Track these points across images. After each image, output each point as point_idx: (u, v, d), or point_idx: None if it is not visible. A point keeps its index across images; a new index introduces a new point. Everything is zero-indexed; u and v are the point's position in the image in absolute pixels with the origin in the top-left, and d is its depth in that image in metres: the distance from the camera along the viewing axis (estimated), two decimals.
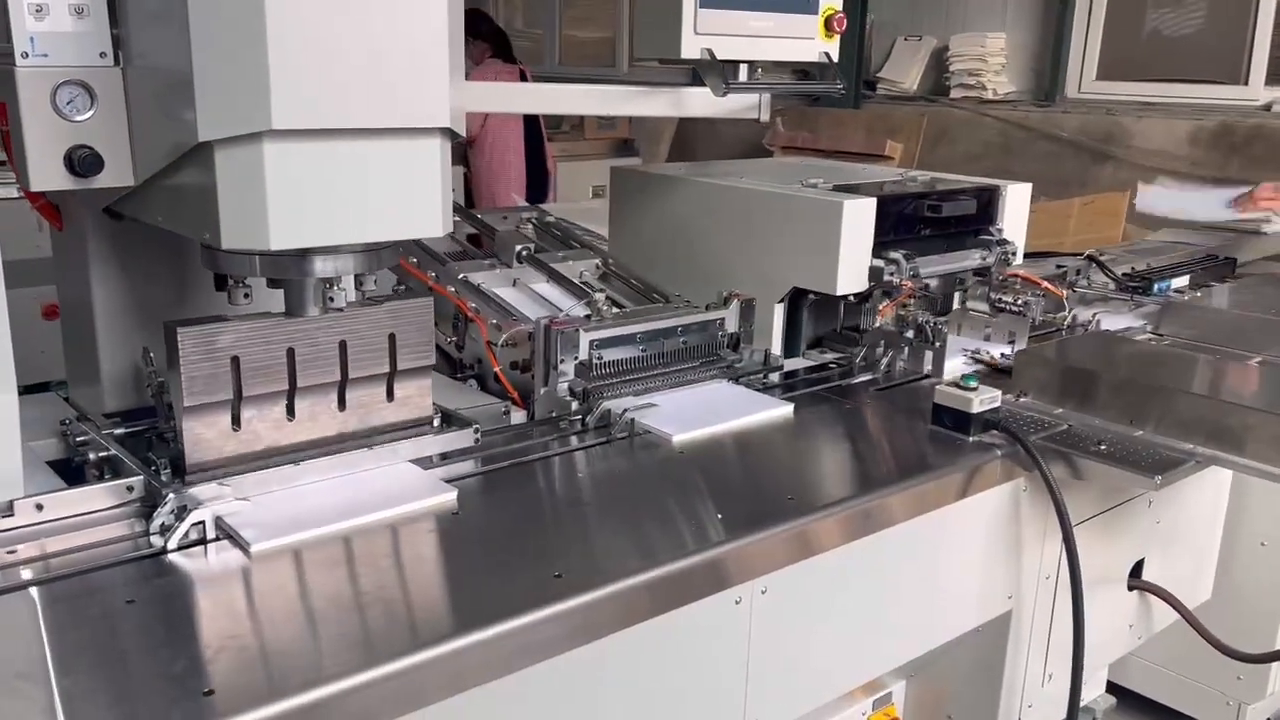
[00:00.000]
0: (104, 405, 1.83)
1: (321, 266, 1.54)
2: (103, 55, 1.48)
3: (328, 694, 1.10)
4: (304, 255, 1.52)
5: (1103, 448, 1.94)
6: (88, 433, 1.69)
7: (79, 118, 1.47)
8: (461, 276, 2.29)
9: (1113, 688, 2.98)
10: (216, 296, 1.81)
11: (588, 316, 2.12)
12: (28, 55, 1.43)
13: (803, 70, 2.41)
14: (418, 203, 1.51)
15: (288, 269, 1.53)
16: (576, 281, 2.37)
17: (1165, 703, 2.97)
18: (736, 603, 1.56)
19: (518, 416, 2.00)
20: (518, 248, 2.38)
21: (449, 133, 1.50)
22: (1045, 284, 2.53)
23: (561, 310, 2.24)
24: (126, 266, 1.81)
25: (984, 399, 1.95)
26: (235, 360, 1.54)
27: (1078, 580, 1.96)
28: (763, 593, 1.59)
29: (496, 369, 2.09)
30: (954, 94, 6.64)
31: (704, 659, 1.56)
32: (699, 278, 2.40)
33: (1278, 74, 5.65)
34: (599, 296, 2.20)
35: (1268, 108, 5.57)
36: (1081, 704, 2.48)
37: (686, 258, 2.53)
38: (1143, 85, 6.06)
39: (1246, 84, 5.71)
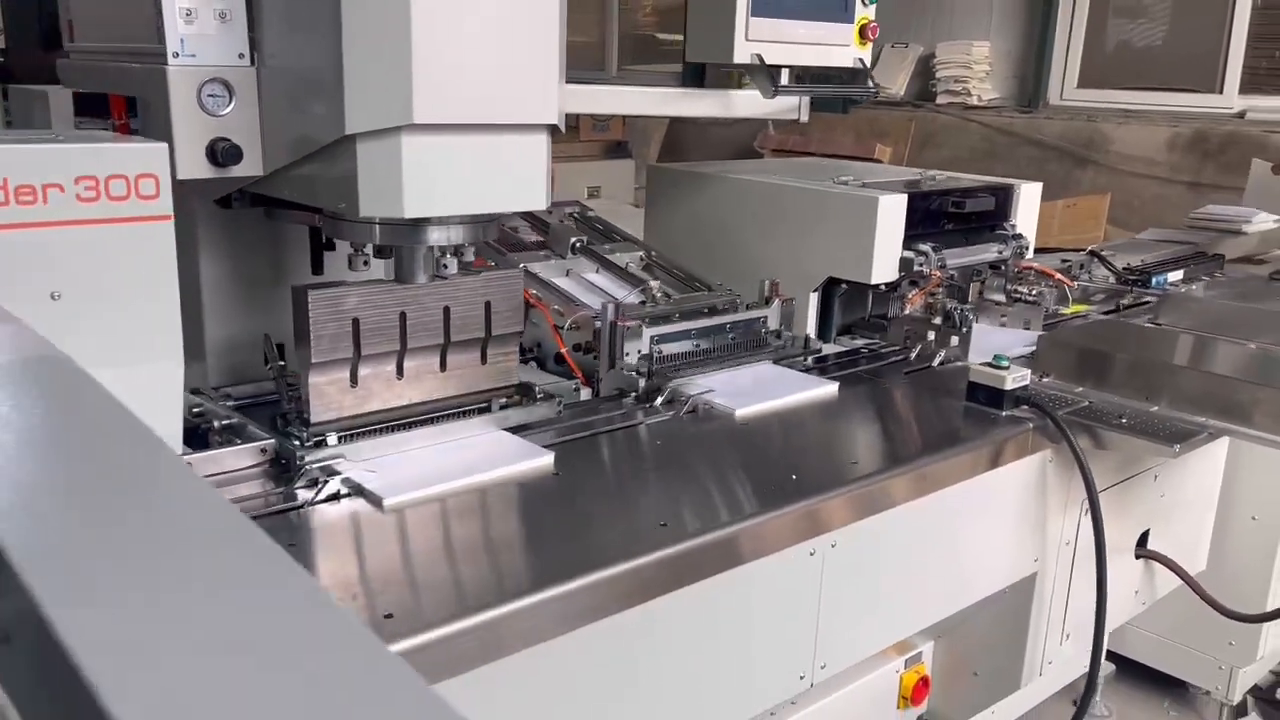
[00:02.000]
0: (209, 380, 1.96)
1: (435, 235, 1.69)
2: (241, 56, 1.63)
3: (502, 613, 1.26)
4: (419, 225, 1.66)
5: (1124, 421, 2.13)
6: (202, 404, 1.83)
7: (221, 112, 1.61)
8: (521, 266, 2.44)
9: (1111, 656, 3.18)
10: (311, 277, 1.97)
11: (642, 303, 2.28)
12: (178, 55, 1.57)
13: (836, 74, 2.58)
14: (526, 183, 1.67)
15: (406, 236, 1.68)
16: (627, 271, 2.52)
17: (1162, 669, 3.18)
18: (811, 554, 1.73)
19: (584, 395, 2.15)
20: (572, 239, 2.53)
21: (554, 127, 1.67)
22: (1059, 275, 2.72)
23: (615, 298, 2.40)
24: (232, 251, 1.95)
25: (1015, 377, 2.13)
26: (356, 321, 1.69)
27: (1102, 544, 2.15)
28: (833, 546, 1.76)
29: (563, 350, 2.24)
30: (940, 99, 6.87)
31: (783, 605, 1.73)
32: (735, 268, 2.57)
33: (1251, 83, 5.93)
34: (653, 285, 2.37)
35: (1241, 115, 5.84)
36: (1084, 669, 2.68)
37: (723, 249, 2.70)
38: (1122, 93, 6.32)
39: (1221, 92, 5.98)
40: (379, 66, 1.47)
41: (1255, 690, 3.21)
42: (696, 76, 2.59)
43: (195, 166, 1.60)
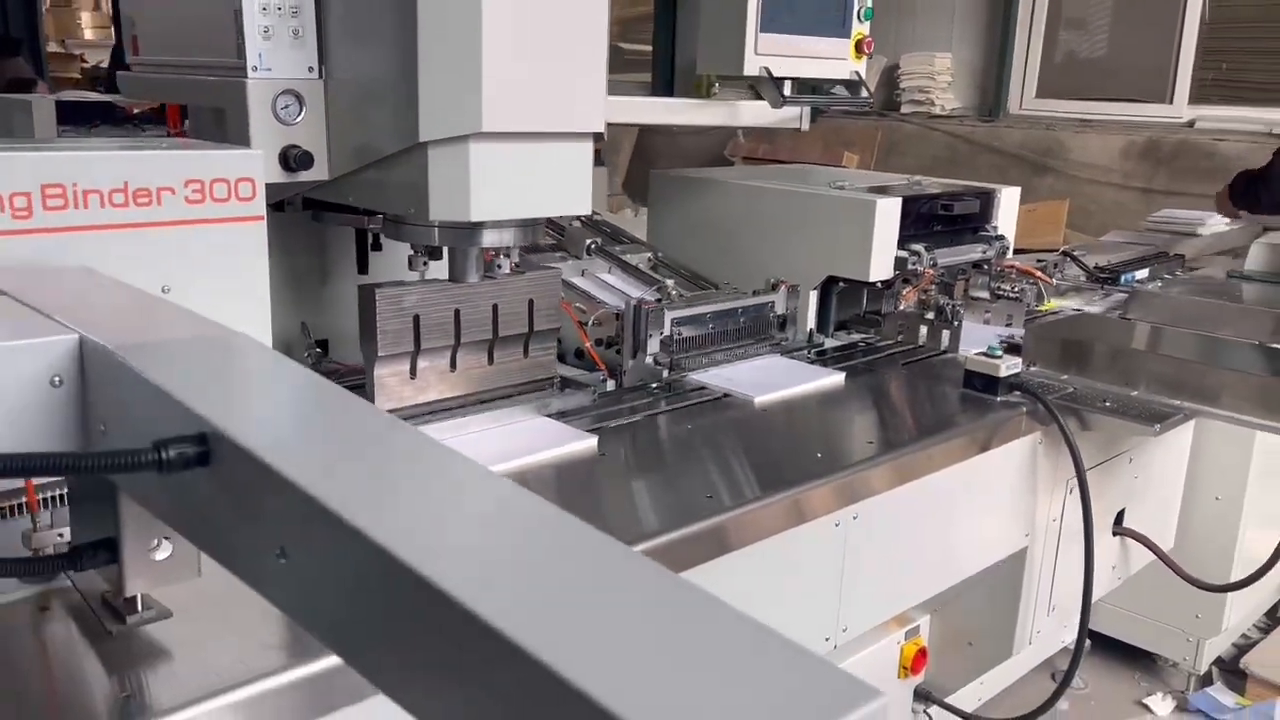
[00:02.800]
0: None
1: (489, 238, 1.83)
2: (310, 70, 1.76)
3: None
4: (475, 228, 1.80)
5: (1108, 404, 2.32)
6: None
7: (293, 121, 1.74)
8: (542, 265, 2.58)
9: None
10: (356, 279, 2.10)
11: (658, 300, 2.44)
12: (256, 69, 1.70)
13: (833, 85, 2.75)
14: (574, 188, 1.82)
15: (464, 238, 1.81)
16: (640, 271, 2.68)
17: (1133, 643, 3.38)
18: (836, 525, 1.89)
19: (609, 386, 2.30)
20: (587, 242, 2.68)
21: (598, 135, 1.82)
22: (1039, 274, 2.92)
23: (632, 295, 2.55)
24: (285, 251, 2.06)
25: (1008, 365, 2.31)
26: (416, 318, 1.83)
27: (1089, 519, 2.34)
28: (854, 519, 1.92)
29: (587, 344, 2.39)
30: (905, 109, 7.11)
31: (813, 571, 1.89)
32: (738, 269, 2.73)
33: (1199, 93, 6.23)
34: (669, 283, 2.52)
35: (1191, 124, 6.14)
36: (1063, 643, 2.88)
37: (726, 251, 2.85)
38: (1078, 103, 6.61)
39: (1171, 103, 6.28)
40: (450, 79, 1.61)
41: (1219, 661, 3.43)
42: (667, 86, 2.75)
43: (270, 171, 1.72)
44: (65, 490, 1.23)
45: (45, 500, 1.27)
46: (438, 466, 0.79)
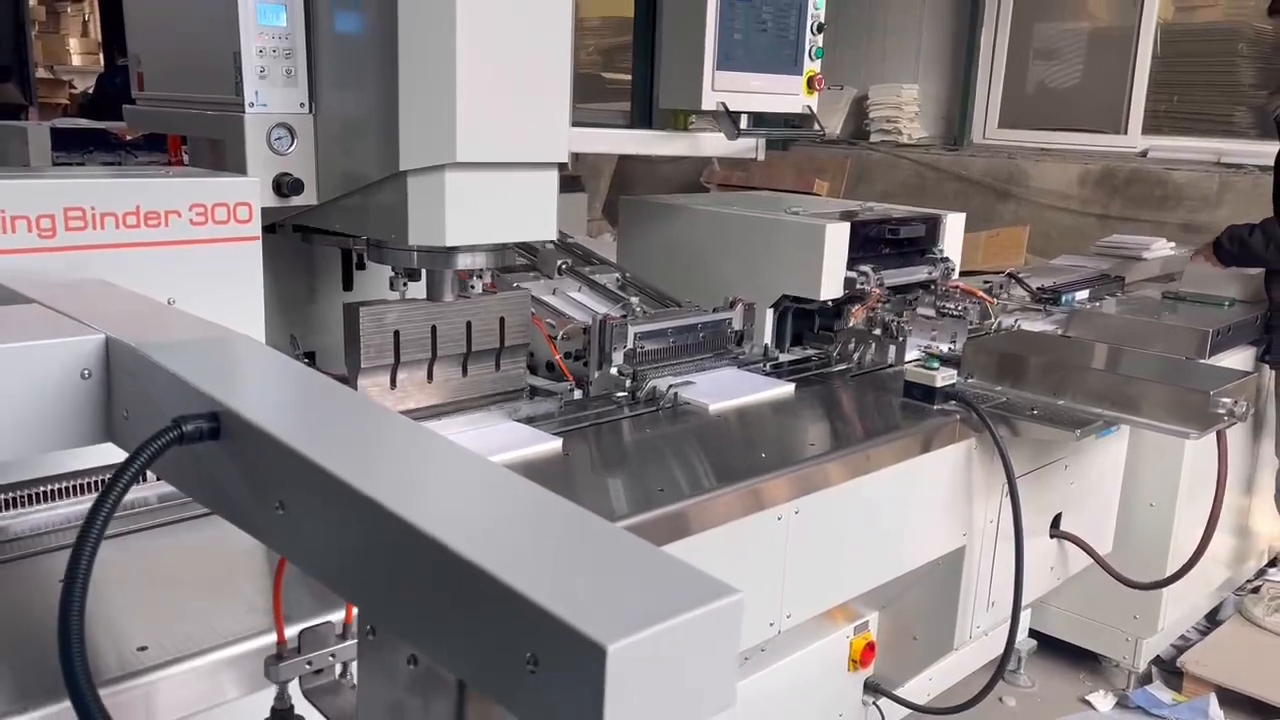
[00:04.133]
0: None
1: (463, 260, 2.01)
2: (302, 105, 1.94)
3: None
4: (450, 251, 1.99)
5: (1034, 412, 2.52)
6: None
7: (285, 152, 1.93)
8: (515, 285, 2.77)
9: (1034, 634, 3.57)
10: (342, 296, 2.28)
11: (623, 317, 2.62)
12: (253, 104, 1.88)
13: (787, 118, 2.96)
14: (540, 215, 2.00)
15: (440, 261, 2.00)
16: (608, 290, 2.87)
17: (1077, 643, 3.57)
18: (778, 519, 2.07)
19: (576, 395, 2.48)
20: (558, 262, 2.86)
21: (562, 164, 2.01)
22: (980, 294, 3.13)
23: (598, 311, 2.74)
24: (277, 270, 2.24)
25: (944, 376, 2.51)
26: (396, 333, 2.01)
27: (1019, 519, 2.52)
28: (796, 513, 2.11)
29: (557, 357, 2.57)
30: (873, 138, 7.36)
31: (757, 560, 2.07)
32: (701, 288, 2.93)
33: (1152, 124, 6.50)
34: (634, 300, 2.71)
35: (1144, 154, 6.40)
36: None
37: (689, 271, 3.05)
38: (1038, 133, 6.87)
39: (1125, 133, 6.55)
40: (428, 114, 1.80)
41: (1159, 661, 3.62)
42: (645, 118, 2.95)
43: (265, 197, 1.90)
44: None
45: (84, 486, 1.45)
46: (407, 434, 0.97)
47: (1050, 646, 3.61)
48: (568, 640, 0.67)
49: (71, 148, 5.21)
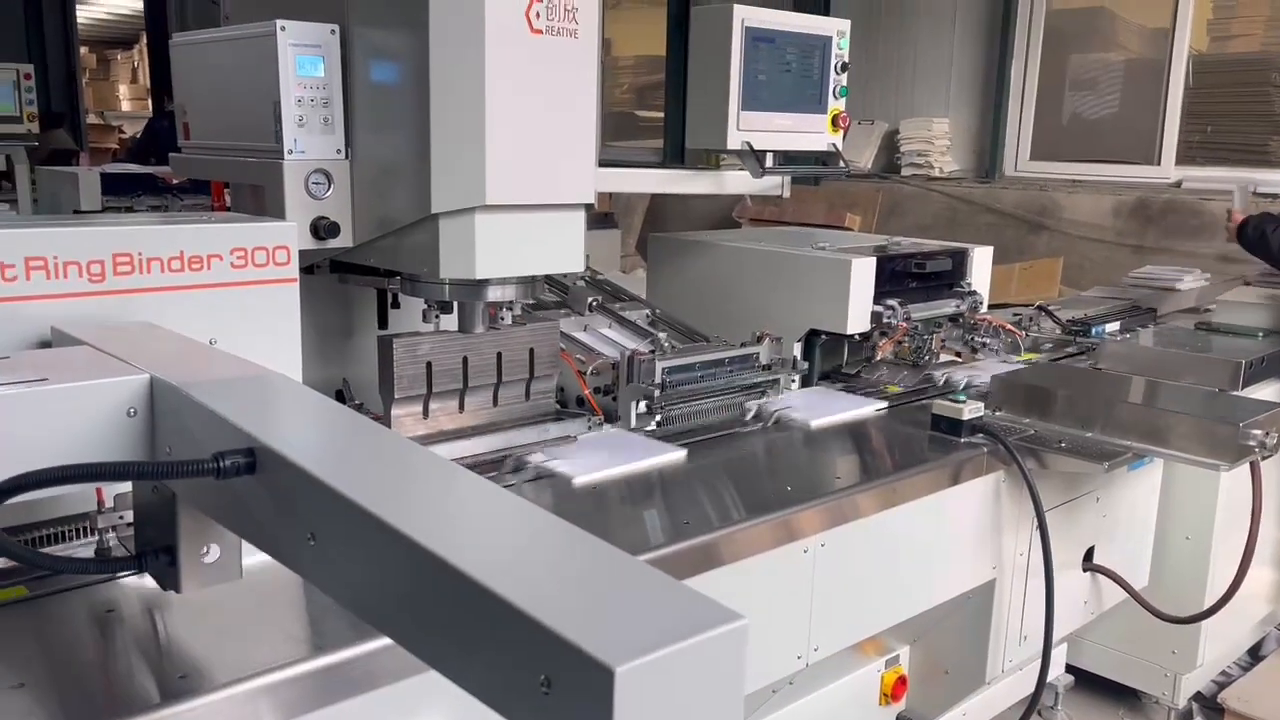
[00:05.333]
0: None
1: (493, 293, 2.07)
2: (338, 151, 2.02)
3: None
4: (481, 284, 2.04)
5: (1062, 445, 2.52)
6: None
7: (322, 196, 2.00)
8: (541, 318, 2.82)
9: (1071, 669, 3.53)
10: (377, 334, 2.34)
11: (652, 352, 2.67)
12: (291, 151, 1.96)
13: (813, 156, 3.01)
14: (567, 250, 2.06)
15: (471, 293, 2.05)
16: (637, 326, 2.91)
17: (1115, 679, 3.53)
18: (804, 552, 2.10)
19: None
20: (589, 299, 2.92)
21: (590, 205, 2.07)
22: (1008, 326, 3.14)
23: (627, 347, 2.79)
24: (315, 309, 2.31)
25: (971, 409, 2.52)
26: (429, 365, 2.07)
27: (1048, 553, 2.52)
28: (822, 546, 2.13)
29: (586, 392, 2.62)
30: (904, 172, 7.39)
31: (783, 593, 2.09)
32: (730, 323, 2.96)
33: (1185, 155, 6.48)
34: (661, 336, 2.75)
35: (1177, 185, 6.37)
36: (1048, 679, 3.03)
37: (718, 307, 3.09)
38: (1070, 165, 6.86)
39: (1159, 164, 6.53)
40: (458, 160, 1.86)
41: (1198, 697, 3.56)
42: (677, 155, 3.01)
43: (303, 240, 1.98)
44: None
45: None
46: (432, 469, 1.02)
47: (1088, 682, 3.56)
48: (578, 663, 0.71)
49: (121, 192, 5.38)
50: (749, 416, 2.58)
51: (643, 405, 2.51)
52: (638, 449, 2.28)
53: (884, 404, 2.73)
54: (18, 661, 1.35)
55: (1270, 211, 3.60)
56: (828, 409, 2.65)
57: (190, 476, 1.05)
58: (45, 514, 1.61)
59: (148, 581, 1.42)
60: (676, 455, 2.27)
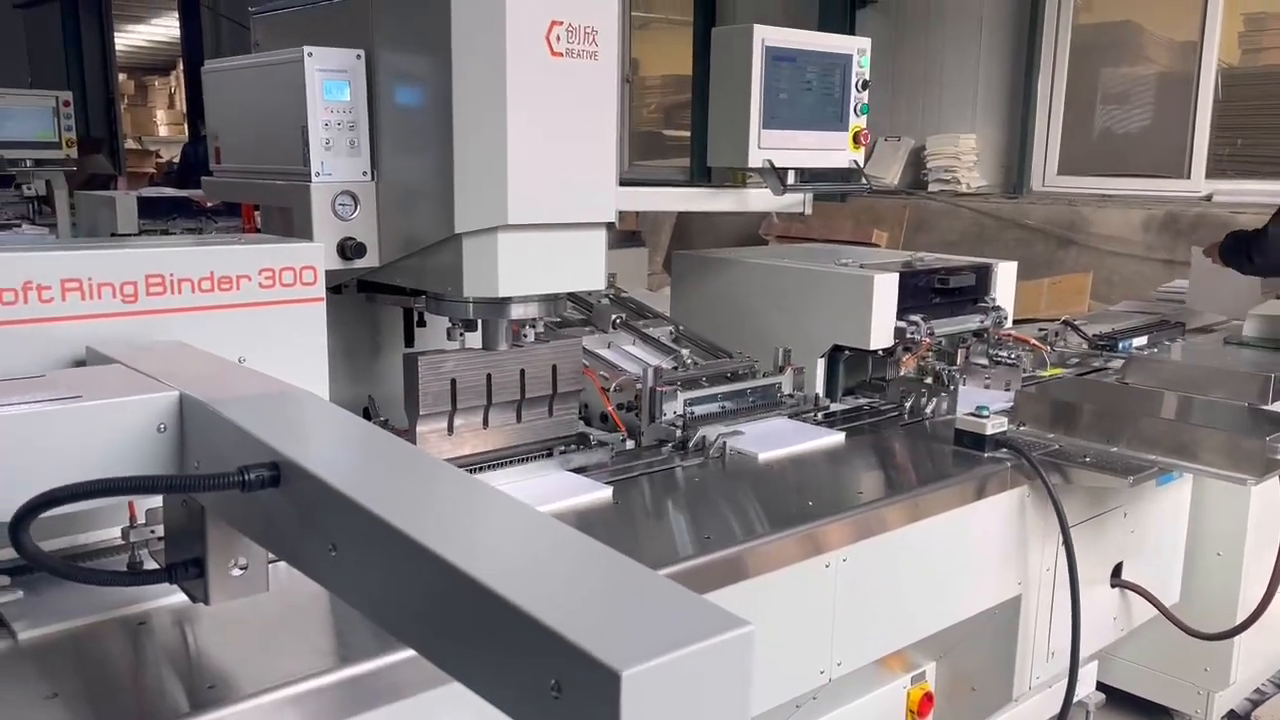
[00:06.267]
0: None
1: (516, 310, 2.10)
2: (364, 174, 2.06)
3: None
4: (504, 302, 2.08)
5: (1087, 459, 2.51)
6: None
7: (349, 218, 2.05)
8: (564, 335, 2.86)
9: (1102, 686, 3.50)
10: (403, 352, 2.38)
11: (675, 368, 2.69)
12: (319, 174, 2.00)
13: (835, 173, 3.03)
14: (588, 268, 2.09)
15: (494, 311, 2.09)
16: (660, 343, 2.94)
17: (1146, 696, 3.49)
18: (826, 566, 2.10)
19: (628, 445, 2.55)
20: (613, 317, 2.95)
21: (610, 224, 2.10)
22: (1033, 341, 3.13)
23: (651, 364, 2.81)
24: (342, 328, 2.35)
25: (995, 424, 2.52)
26: (453, 381, 2.10)
27: (1074, 568, 2.51)
28: (844, 561, 2.13)
29: (610, 408, 2.64)
30: (931, 188, 7.38)
31: (805, 608, 2.09)
32: (753, 339, 2.98)
33: (1216, 168, 6.43)
34: (684, 353, 2.78)
35: (1208, 198, 6.32)
36: (1075, 699, 3.01)
37: (741, 323, 3.11)
38: (1099, 179, 6.83)
39: (1189, 177, 6.48)
40: (481, 181, 1.90)
41: (1232, 715, 3.51)
42: (704, 173, 3.04)
43: (330, 260, 2.02)
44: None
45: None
46: (450, 481, 1.05)
47: (1119, 700, 3.52)
48: (587, 667, 0.73)
49: (157, 214, 5.50)
50: None
51: (665, 421, 2.54)
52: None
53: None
54: (52, 672, 1.39)
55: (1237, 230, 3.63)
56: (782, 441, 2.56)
57: (216, 489, 1.08)
58: (74, 530, 1.66)
59: (179, 595, 1.45)
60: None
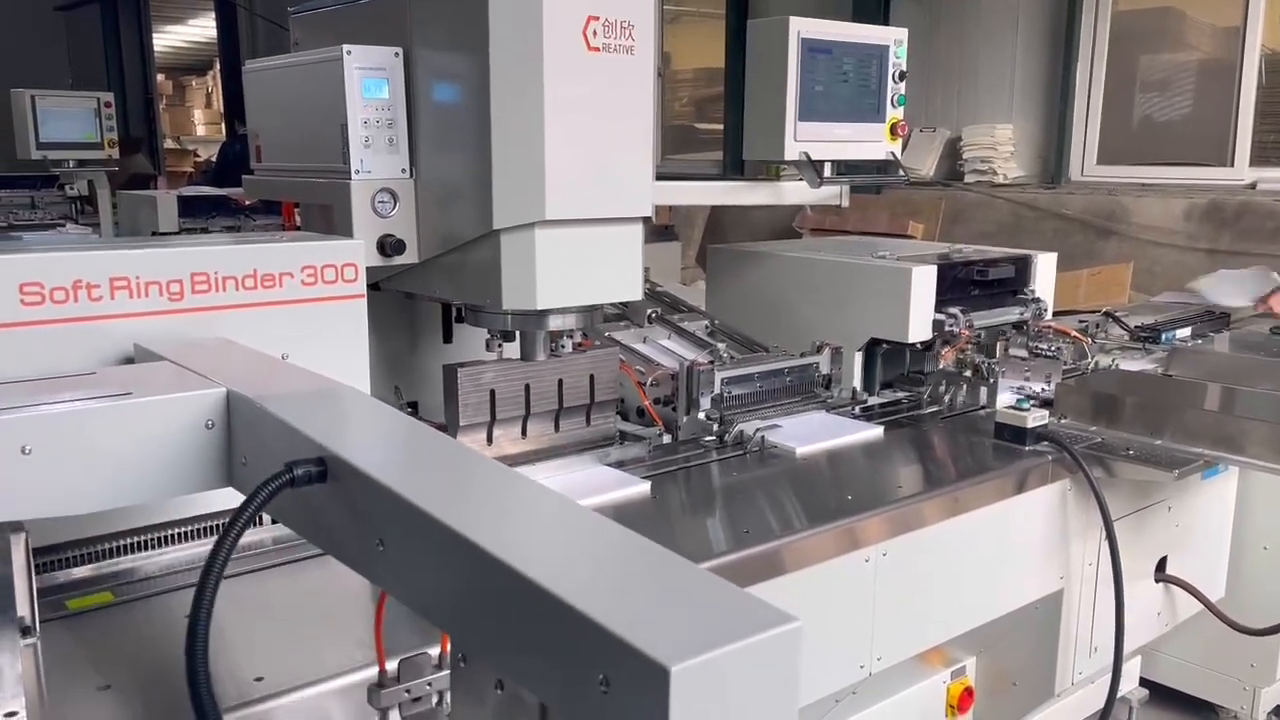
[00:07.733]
0: None
1: (554, 322, 2.11)
2: (403, 170, 2.07)
3: None
4: (542, 314, 2.08)
5: (1130, 452, 2.48)
6: None
7: (388, 215, 2.06)
8: (607, 334, 2.86)
9: (1145, 682, 3.46)
10: (441, 348, 2.40)
11: (711, 362, 2.69)
12: (358, 171, 2.02)
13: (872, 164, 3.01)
14: (626, 274, 2.09)
15: (533, 323, 2.09)
16: (696, 337, 2.93)
17: (1191, 692, 3.44)
18: (866, 561, 2.09)
19: (665, 440, 2.55)
20: (648, 311, 2.95)
21: (646, 219, 2.10)
22: (1074, 333, 3.10)
23: (686, 358, 2.81)
24: (378, 326, 2.37)
25: (1036, 417, 2.50)
26: (492, 392, 2.11)
27: (1117, 563, 2.48)
28: (884, 555, 2.12)
29: (646, 402, 2.64)
30: (968, 179, 7.31)
31: (844, 602, 2.09)
32: (789, 333, 2.97)
33: (1260, 155, 6.31)
34: (720, 346, 2.77)
35: (1252, 186, 6.21)
36: (1119, 695, 2.98)
37: (777, 317, 3.10)
38: (1139, 168, 6.73)
39: (1233, 165, 6.37)
40: (518, 176, 1.90)
41: (1278, 710, 3.46)
42: (737, 166, 3.02)
43: (370, 257, 2.03)
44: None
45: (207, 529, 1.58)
46: (496, 477, 1.05)
47: (1164, 696, 3.48)
48: (635, 662, 0.73)
49: (196, 213, 5.57)
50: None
51: (701, 415, 2.54)
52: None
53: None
54: (104, 664, 1.41)
55: None
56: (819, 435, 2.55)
57: (271, 493, 1.08)
58: (123, 524, 1.69)
59: (225, 589, 1.47)
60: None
